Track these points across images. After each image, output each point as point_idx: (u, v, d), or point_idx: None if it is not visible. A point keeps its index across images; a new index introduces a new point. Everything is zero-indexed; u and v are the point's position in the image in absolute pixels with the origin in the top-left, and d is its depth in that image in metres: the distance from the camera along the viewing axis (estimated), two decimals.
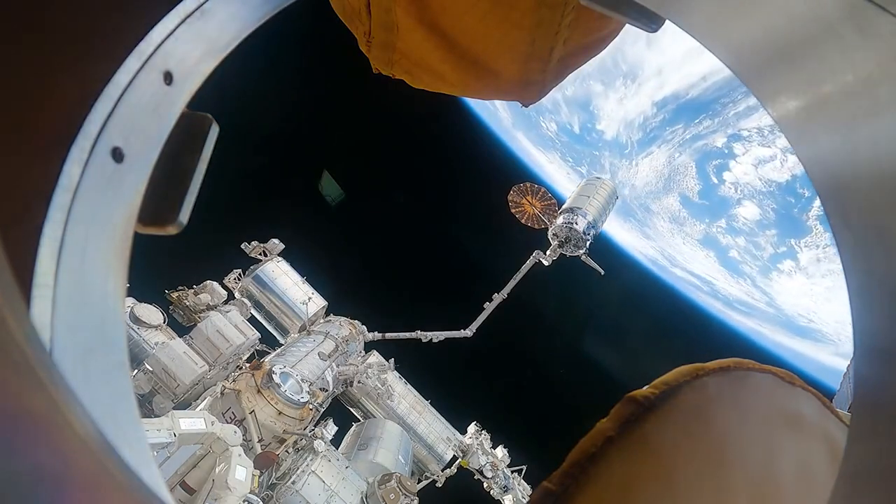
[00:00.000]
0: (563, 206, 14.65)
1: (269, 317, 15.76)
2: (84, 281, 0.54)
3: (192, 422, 7.92)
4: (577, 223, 13.96)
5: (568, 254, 14.56)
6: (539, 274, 15.86)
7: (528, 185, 15.45)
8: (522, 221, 15.41)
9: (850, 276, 0.40)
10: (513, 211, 15.41)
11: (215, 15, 0.71)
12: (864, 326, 0.39)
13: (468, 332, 14.97)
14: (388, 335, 15.80)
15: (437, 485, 14.23)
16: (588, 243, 14.29)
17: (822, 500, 0.56)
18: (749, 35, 0.51)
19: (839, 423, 0.67)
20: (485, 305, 15.02)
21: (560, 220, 14.28)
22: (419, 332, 14.75)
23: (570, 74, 1.12)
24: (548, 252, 14.98)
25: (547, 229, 14.80)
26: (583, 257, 14.77)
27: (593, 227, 14.09)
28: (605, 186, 14.77)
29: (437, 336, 14.76)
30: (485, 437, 15.36)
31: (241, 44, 0.79)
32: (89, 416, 0.29)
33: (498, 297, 15.01)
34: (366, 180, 38.35)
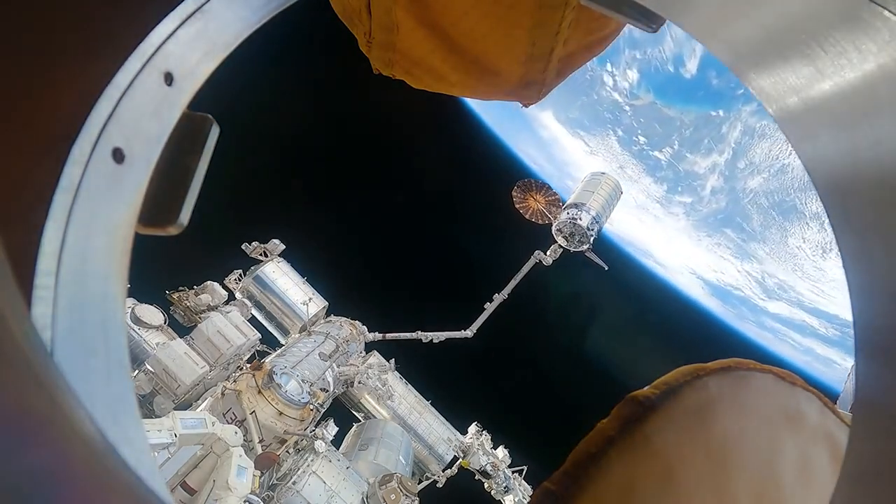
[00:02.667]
0: (567, 202, 14.74)
1: (270, 317, 15.77)
2: (85, 281, 0.54)
3: (193, 422, 7.92)
4: (580, 218, 14.04)
5: (572, 249, 14.64)
6: (540, 274, 15.89)
7: (531, 180, 15.56)
8: (526, 217, 15.48)
9: (851, 276, 0.40)
10: (517, 206, 15.49)
11: (215, 16, 0.71)
12: (865, 326, 0.39)
13: (469, 333, 15.01)
14: (389, 335, 15.83)
15: (437, 485, 14.23)
16: (592, 238, 14.35)
17: (824, 500, 0.56)
18: (749, 34, 0.51)
19: (840, 422, 0.67)
20: (485, 306, 15.07)
21: (564, 215, 14.36)
22: (419, 332, 14.79)
23: (572, 74, 1.12)
24: (548, 252, 15.05)
25: (551, 225, 14.87)
26: (587, 253, 14.84)
27: (597, 222, 14.17)
28: (609, 181, 14.86)
29: (438, 336, 14.79)
30: (485, 438, 15.36)
31: (241, 44, 0.79)
32: (90, 417, 0.29)
33: (498, 298, 15.07)
34: (366, 180, 38.37)
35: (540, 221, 15.38)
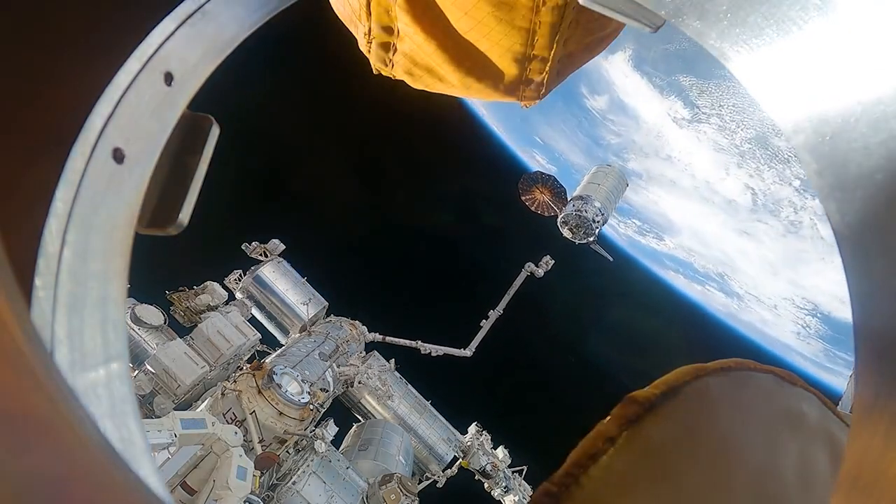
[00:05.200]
0: (573, 194, 14.82)
1: (270, 317, 15.76)
2: (85, 282, 0.54)
3: (193, 422, 7.91)
4: (586, 211, 14.11)
5: (577, 241, 14.73)
6: (539, 273, 15.93)
7: (538, 173, 15.65)
8: (532, 209, 15.56)
9: (850, 276, 0.40)
10: (522, 199, 15.56)
11: (216, 16, 0.71)
12: (865, 327, 0.39)
13: (467, 352, 15.17)
14: (389, 339, 15.89)
15: (437, 485, 14.22)
16: (597, 230, 14.43)
17: (824, 501, 0.56)
18: (749, 33, 0.51)
19: (841, 423, 0.67)
20: (481, 324, 15.26)
21: (569, 207, 14.43)
22: (420, 342, 14.93)
23: (572, 73, 1.12)
24: (539, 264, 15.22)
25: (556, 217, 14.95)
26: (592, 245, 14.93)
27: (602, 214, 14.24)
28: (614, 174, 14.93)
29: (437, 350, 14.94)
30: (485, 438, 15.35)
31: (242, 44, 0.79)
32: (90, 417, 0.29)
33: (494, 314, 15.25)
34: (366, 180, 38.37)
35: (545, 214, 15.48)
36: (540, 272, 15.48)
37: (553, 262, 15.49)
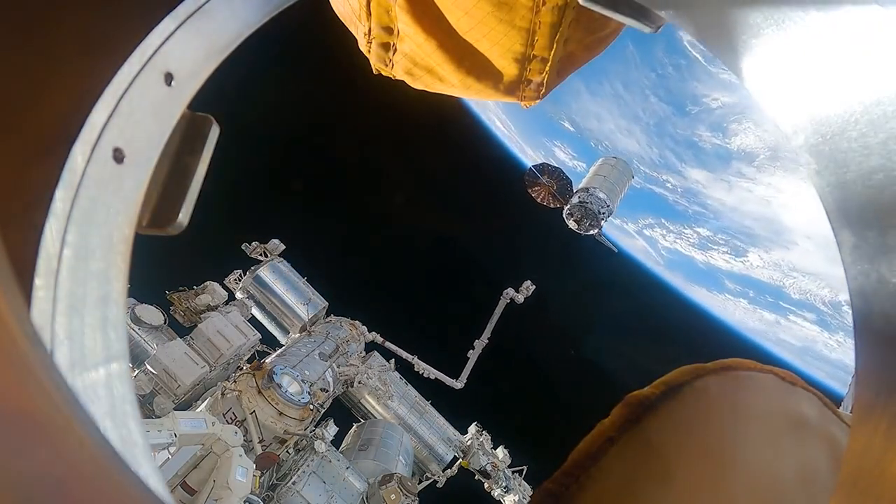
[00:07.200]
0: (579, 186, 14.85)
1: (270, 317, 15.77)
2: (85, 282, 0.54)
3: (193, 422, 7.91)
4: (591, 203, 14.15)
5: (582, 233, 14.78)
6: (538, 275, 15.97)
7: (544, 164, 15.67)
8: (538, 201, 15.58)
9: (851, 276, 0.40)
10: (529, 190, 15.58)
11: (216, 15, 0.71)
12: (865, 327, 0.39)
13: (458, 384, 15.30)
14: (388, 345, 15.98)
15: (437, 485, 14.23)
16: (602, 222, 14.47)
17: (824, 502, 0.56)
18: (750, 34, 0.51)
19: (841, 423, 0.67)
20: (468, 354, 15.36)
21: (575, 199, 14.47)
22: (416, 358, 15.06)
23: (572, 73, 1.12)
24: (520, 289, 15.34)
25: (562, 209, 14.99)
26: (597, 236, 14.98)
27: (608, 205, 14.28)
28: (620, 166, 14.96)
29: (430, 372, 15.04)
30: (485, 438, 15.37)
31: (242, 44, 0.79)
32: (90, 417, 0.29)
33: (479, 344, 15.34)
34: (366, 180, 38.38)
35: (551, 205, 15.50)
36: (520, 298, 15.59)
37: (534, 287, 15.64)
